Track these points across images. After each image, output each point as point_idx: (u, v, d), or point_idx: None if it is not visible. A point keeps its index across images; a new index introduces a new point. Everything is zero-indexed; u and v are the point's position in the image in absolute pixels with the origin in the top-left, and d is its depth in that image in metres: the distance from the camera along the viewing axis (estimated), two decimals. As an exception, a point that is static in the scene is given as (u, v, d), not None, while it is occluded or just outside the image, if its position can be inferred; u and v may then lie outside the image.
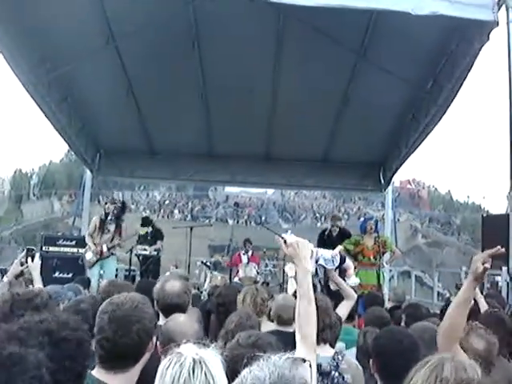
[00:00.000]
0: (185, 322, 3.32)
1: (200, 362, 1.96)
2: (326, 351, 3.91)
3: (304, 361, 1.76)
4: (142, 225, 12.38)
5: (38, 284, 4.77)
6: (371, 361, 3.32)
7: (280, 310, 4.56)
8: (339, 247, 5.74)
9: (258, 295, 4.92)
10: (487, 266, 3.23)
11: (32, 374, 1.65)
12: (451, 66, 8.13)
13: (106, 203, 10.07)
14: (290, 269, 5.25)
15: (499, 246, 3.35)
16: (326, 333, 3.99)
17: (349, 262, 5.88)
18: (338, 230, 10.35)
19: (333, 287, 6.18)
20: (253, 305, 4.80)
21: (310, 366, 1.77)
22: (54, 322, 2.08)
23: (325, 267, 5.35)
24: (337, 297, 5.46)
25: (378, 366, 3.26)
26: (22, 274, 4.97)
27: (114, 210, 9.87)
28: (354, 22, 8.03)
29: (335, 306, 5.24)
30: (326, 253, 5.36)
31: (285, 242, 2.88)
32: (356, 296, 5.38)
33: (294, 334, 2.82)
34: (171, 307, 4.00)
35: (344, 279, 5.69)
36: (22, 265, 4.91)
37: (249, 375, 1.62)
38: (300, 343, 2.71)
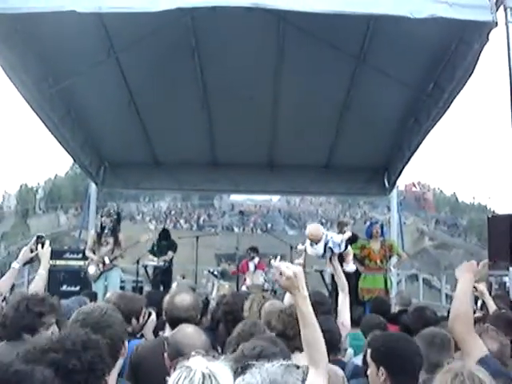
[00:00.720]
0: (192, 333, 3.32)
1: (210, 376, 1.92)
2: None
3: (298, 367, 1.75)
4: (162, 238, 12.46)
5: (45, 271, 4.79)
6: (380, 367, 3.27)
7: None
8: (348, 233, 5.80)
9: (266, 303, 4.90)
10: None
11: None
12: (452, 68, 8.13)
13: (101, 216, 10.03)
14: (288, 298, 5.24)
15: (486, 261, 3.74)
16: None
17: (349, 249, 5.93)
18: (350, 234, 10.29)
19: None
20: (259, 313, 4.78)
21: (304, 372, 1.77)
22: (60, 350, 2.03)
23: (332, 250, 5.39)
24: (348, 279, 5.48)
25: (391, 370, 3.22)
26: (31, 260, 4.99)
27: (110, 222, 9.87)
28: (353, 27, 8.05)
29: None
30: (335, 237, 5.42)
31: (280, 273, 2.85)
32: (347, 287, 5.35)
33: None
34: (179, 321, 4.01)
35: (342, 265, 5.73)
36: (31, 251, 4.93)
37: (241, 383, 1.62)
38: (311, 368, 2.67)
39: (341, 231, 10.37)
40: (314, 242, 5.48)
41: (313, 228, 5.71)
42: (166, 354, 3.16)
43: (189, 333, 3.31)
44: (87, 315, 2.84)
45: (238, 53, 8.95)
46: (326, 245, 5.41)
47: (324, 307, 5.08)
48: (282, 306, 4.16)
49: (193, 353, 2.66)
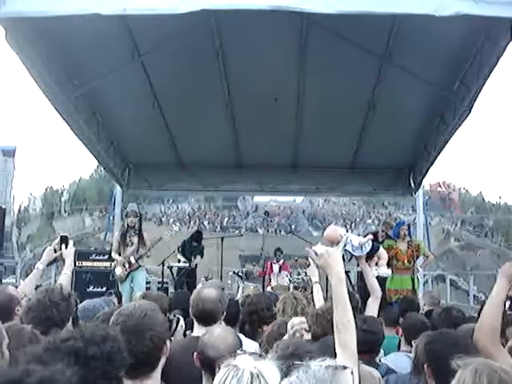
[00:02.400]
0: (219, 335, 3.29)
1: (258, 376, 1.89)
2: None
3: (345, 368, 1.70)
4: (194, 239, 12.55)
5: (68, 271, 4.81)
6: (425, 366, 3.20)
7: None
8: (370, 236, 5.71)
9: (298, 304, 4.88)
10: None
11: None
12: (477, 66, 8.04)
13: (127, 216, 10.04)
14: (312, 272, 5.19)
15: None
16: None
17: (382, 252, 5.83)
18: (385, 235, 10.23)
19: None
20: (294, 315, 4.73)
21: (352, 373, 1.72)
22: (79, 339, 2.03)
23: (352, 253, 5.32)
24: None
25: (433, 370, 3.15)
26: (55, 260, 5.01)
27: (137, 222, 9.91)
28: (377, 26, 7.98)
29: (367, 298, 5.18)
30: (354, 239, 5.34)
31: (315, 253, 2.85)
32: (380, 291, 5.28)
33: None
34: (205, 313, 4.03)
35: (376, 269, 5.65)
36: (55, 251, 4.94)
37: None
38: (340, 353, 2.64)
39: (384, 231, 10.32)
40: (332, 244, 5.41)
41: (328, 231, 5.66)
42: (195, 354, 3.15)
43: (216, 335, 3.28)
44: (127, 317, 2.81)
45: (261, 53, 8.93)
46: (344, 247, 5.35)
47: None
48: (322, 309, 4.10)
49: (238, 351, 2.65)
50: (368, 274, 5.37)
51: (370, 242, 5.54)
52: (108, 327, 2.34)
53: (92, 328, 2.18)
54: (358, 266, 5.75)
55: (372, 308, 5.13)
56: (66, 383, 1.64)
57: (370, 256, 5.53)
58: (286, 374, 1.69)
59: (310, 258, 2.94)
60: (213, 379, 2.08)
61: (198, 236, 12.94)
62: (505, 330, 4.60)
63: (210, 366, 2.88)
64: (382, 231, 10.43)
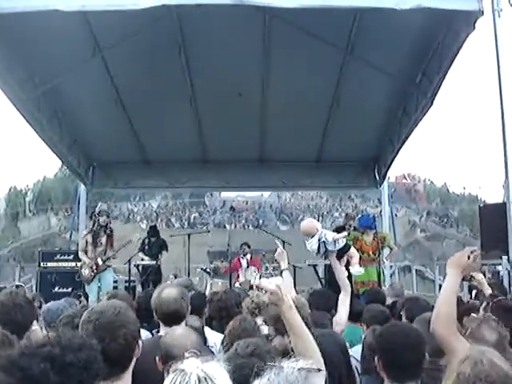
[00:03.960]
0: (182, 334, 3.25)
1: (206, 379, 1.84)
2: None
3: (319, 370, 1.68)
4: (150, 235, 12.39)
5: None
6: (376, 358, 3.21)
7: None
8: (344, 233, 5.78)
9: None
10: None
11: None
12: (439, 58, 8.13)
13: (97, 215, 9.92)
14: (281, 257, 5.28)
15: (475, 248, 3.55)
16: None
17: (354, 251, 5.89)
18: (352, 229, 10.31)
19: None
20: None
21: (325, 375, 1.69)
22: (56, 345, 2.00)
23: (326, 247, 5.37)
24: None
25: (384, 362, 3.16)
26: None
27: (109, 222, 9.82)
28: (340, 20, 8.02)
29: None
30: (328, 234, 5.40)
31: (263, 290, 2.83)
32: (350, 288, 5.34)
33: None
34: (169, 315, 3.98)
35: (348, 268, 5.70)
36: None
37: None
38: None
39: (347, 223, 10.44)
40: (308, 236, 5.48)
41: (306, 222, 5.74)
42: (157, 358, 3.11)
43: (178, 334, 3.25)
44: (100, 315, 2.76)
45: (224, 49, 8.90)
46: (319, 240, 5.40)
47: (329, 302, 5.30)
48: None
49: (186, 354, 2.61)
50: (338, 269, 5.42)
51: (344, 240, 5.60)
52: (84, 336, 2.29)
53: (69, 335, 2.14)
54: (325, 259, 5.78)
55: (344, 303, 5.18)
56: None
57: (340, 255, 5.57)
58: (256, 374, 1.67)
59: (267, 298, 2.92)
60: None
61: (153, 231, 12.74)
62: (461, 319, 4.67)
63: None
64: (345, 224, 10.55)
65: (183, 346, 2.99)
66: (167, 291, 4.14)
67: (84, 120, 11.08)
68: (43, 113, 9.66)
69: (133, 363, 2.75)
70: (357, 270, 5.95)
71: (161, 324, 4.08)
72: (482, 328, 3.54)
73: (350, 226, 10.42)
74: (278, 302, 2.76)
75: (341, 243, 5.52)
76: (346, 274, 5.52)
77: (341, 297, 5.24)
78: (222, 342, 3.79)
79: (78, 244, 10.81)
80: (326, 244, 5.40)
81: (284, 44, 8.90)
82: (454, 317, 3.36)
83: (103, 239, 9.71)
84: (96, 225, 9.77)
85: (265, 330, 3.98)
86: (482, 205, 12.59)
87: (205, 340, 3.33)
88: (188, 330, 3.43)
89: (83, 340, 2.11)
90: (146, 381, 2.81)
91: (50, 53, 8.64)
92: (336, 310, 5.16)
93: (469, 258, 3.43)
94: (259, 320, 4.37)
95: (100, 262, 9.51)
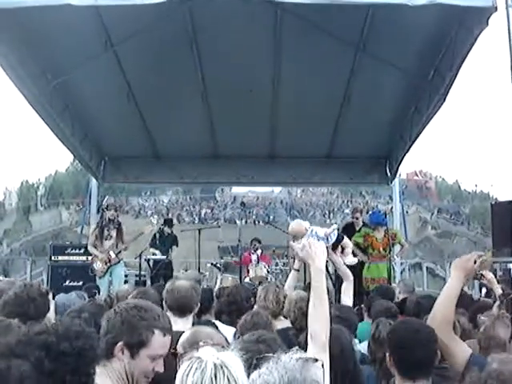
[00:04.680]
0: (209, 331, 3.26)
1: (222, 367, 1.88)
2: None
3: (316, 360, 1.69)
4: (165, 226, 12.48)
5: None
6: (387, 354, 3.20)
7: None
8: (334, 225, 5.83)
9: (280, 293, 4.95)
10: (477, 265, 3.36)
11: None
12: (451, 54, 8.07)
13: (107, 209, 9.96)
14: (296, 262, 5.36)
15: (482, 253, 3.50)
16: None
17: (347, 241, 5.94)
18: (361, 224, 10.30)
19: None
20: (276, 302, 4.84)
21: (323, 365, 1.71)
22: (52, 333, 2.02)
23: None
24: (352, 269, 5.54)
25: (395, 359, 3.14)
26: None
27: (117, 216, 9.86)
28: (352, 15, 7.97)
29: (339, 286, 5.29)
30: (319, 230, 5.45)
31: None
32: (352, 276, 5.36)
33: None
34: (179, 303, 4.03)
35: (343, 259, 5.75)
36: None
37: (258, 379, 1.56)
38: (310, 342, 2.67)
39: (354, 217, 10.49)
40: (297, 238, 5.53)
41: (294, 224, 5.81)
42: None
43: (208, 330, 3.24)
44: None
45: (236, 44, 8.87)
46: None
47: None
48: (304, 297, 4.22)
49: (201, 343, 2.63)
50: (336, 261, 5.52)
51: (336, 232, 5.65)
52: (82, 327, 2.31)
53: (68, 323, 2.17)
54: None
55: (348, 291, 5.22)
56: (17, 373, 1.64)
57: (334, 246, 5.62)
58: (255, 366, 1.68)
59: (295, 252, 3.00)
60: None
61: (169, 222, 12.85)
62: (474, 317, 4.67)
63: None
64: (352, 218, 10.58)
65: (210, 339, 2.98)
66: (180, 282, 4.20)
67: (96, 114, 11.12)
68: (55, 107, 9.69)
69: None
70: (350, 259, 6.00)
71: (170, 315, 4.12)
72: (496, 325, 3.55)
73: (357, 218, 10.43)
74: (308, 259, 2.86)
75: (333, 237, 5.59)
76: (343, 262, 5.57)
77: (344, 285, 5.29)
78: (234, 336, 3.82)
79: (88, 238, 10.88)
80: (318, 240, 5.44)
81: (295, 40, 8.88)
82: (450, 320, 3.34)
83: (113, 233, 9.76)
84: (104, 219, 9.82)
85: None
86: (493, 202, 12.53)
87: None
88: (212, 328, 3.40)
89: (81, 328, 2.14)
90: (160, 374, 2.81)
91: (62, 47, 8.67)
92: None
93: (475, 262, 3.38)
94: None
95: (113, 255, 9.56)
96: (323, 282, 2.80)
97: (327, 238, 5.48)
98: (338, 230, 5.94)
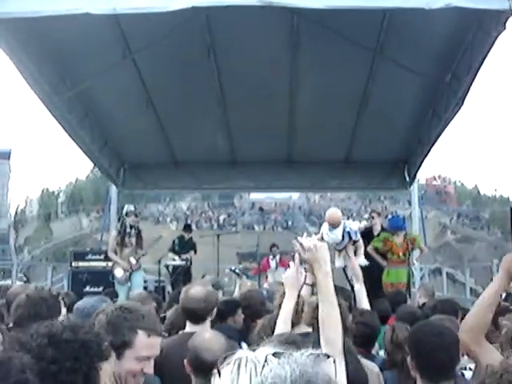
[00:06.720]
0: (211, 338, 3.29)
1: (266, 360, 1.77)
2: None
3: (328, 356, 1.71)
4: (185, 231, 12.57)
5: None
6: (409, 358, 3.14)
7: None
8: (364, 222, 5.85)
9: (299, 302, 4.88)
10: None
11: (15, 379, 1.64)
12: (469, 58, 8.03)
13: (128, 216, 9.96)
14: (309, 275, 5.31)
15: None
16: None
17: (361, 243, 5.95)
18: (379, 228, 10.22)
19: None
20: (295, 311, 4.76)
21: (334, 361, 1.72)
22: (58, 325, 2.06)
23: (350, 236, 5.43)
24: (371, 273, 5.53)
25: (417, 362, 3.08)
26: None
27: (137, 222, 9.91)
28: (369, 20, 7.97)
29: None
30: (352, 224, 5.46)
31: (301, 245, 2.79)
32: (362, 277, 5.32)
33: None
34: (190, 312, 4.05)
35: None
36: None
37: (269, 373, 1.57)
38: (325, 348, 2.63)
39: (369, 218, 10.43)
40: (334, 226, 5.49)
41: (333, 211, 5.72)
42: (186, 360, 3.14)
43: (208, 338, 3.27)
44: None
45: (253, 50, 8.92)
46: (344, 230, 5.43)
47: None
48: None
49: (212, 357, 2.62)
50: (353, 260, 5.49)
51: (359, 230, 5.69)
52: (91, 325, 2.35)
53: (77, 321, 2.21)
54: (339, 251, 5.84)
55: (361, 296, 5.19)
56: (19, 363, 1.68)
57: (349, 246, 5.65)
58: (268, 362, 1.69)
59: (299, 253, 2.88)
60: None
61: (188, 229, 12.97)
62: (496, 319, 4.63)
63: (204, 369, 2.86)
64: (368, 219, 10.52)
65: (212, 350, 3.02)
66: (194, 290, 4.20)
67: (115, 122, 11.23)
68: (75, 115, 9.80)
69: None
70: (362, 260, 5.98)
71: (187, 322, 4.14)
72: None
73: (374, 218, 10.31)
74: (313, 262, 2.73)
75: (358, 234, 5.60)
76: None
77: (357, 288, 5.25)
78: (252, 340, 3.83)
79: (108, 244, 10.95)
80: (351, 233, 5.44)
81: (313, 45, 8.90)
82: (482, 326, 3.03)
83: (133, 239, 9.80)
84: (125, 225, 9.85)
85: None
86: (513, 206, 12.41)
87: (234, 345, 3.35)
88: (217, 333, 3.43)
89: (90, 327, 2.18)
90: (173, 376, 2.84)
91: (81, 55, 8.77)
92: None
93: None
94: None
95: (134, 262, 9.59)
96: (331, 286, 2.71)
97: (356, 233, 5.50)
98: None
